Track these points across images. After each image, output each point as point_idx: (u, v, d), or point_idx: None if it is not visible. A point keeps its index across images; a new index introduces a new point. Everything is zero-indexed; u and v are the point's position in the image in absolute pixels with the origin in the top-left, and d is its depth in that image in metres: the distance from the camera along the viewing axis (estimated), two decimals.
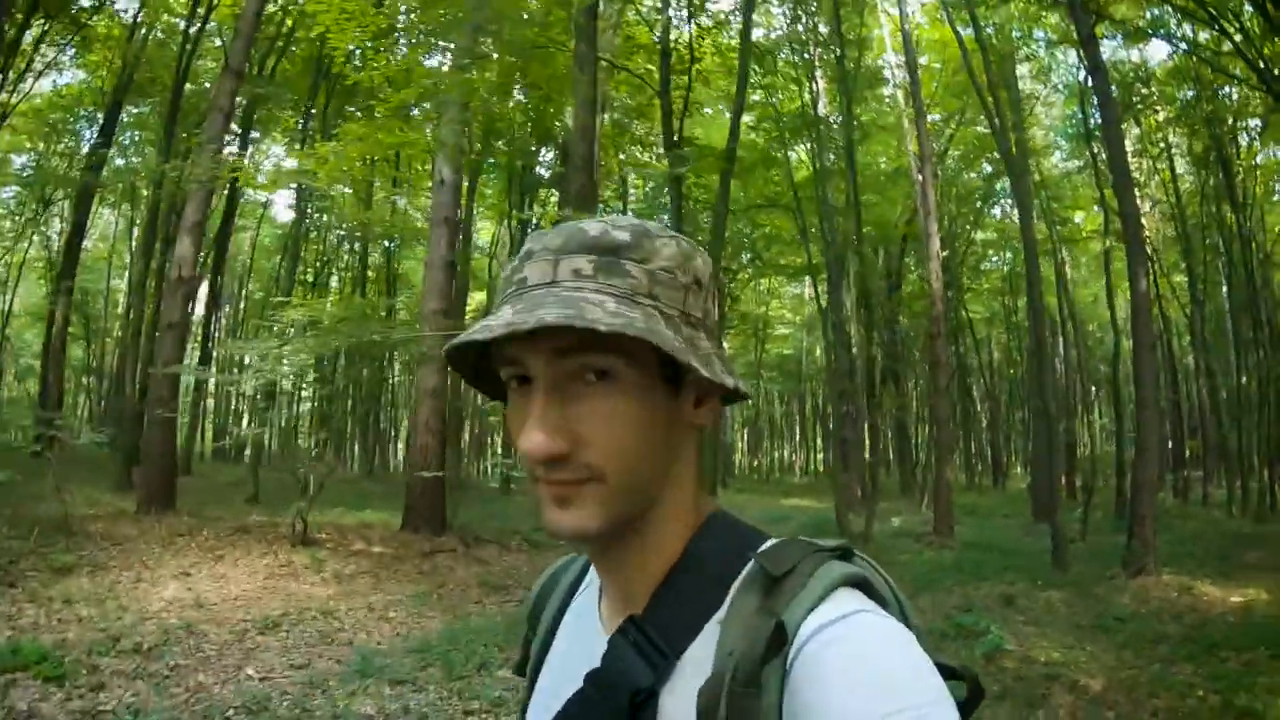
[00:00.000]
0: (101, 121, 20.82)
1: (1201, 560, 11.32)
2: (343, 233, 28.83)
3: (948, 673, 0.72)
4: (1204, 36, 16.64)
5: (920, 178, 15.87)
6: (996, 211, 26.40)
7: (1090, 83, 16.02)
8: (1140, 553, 10.17)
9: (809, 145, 18.56)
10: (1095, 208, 22.78)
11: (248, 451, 24.13)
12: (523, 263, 0.79)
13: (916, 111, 16.17)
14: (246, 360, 10.10)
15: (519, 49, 11.34)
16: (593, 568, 0.94)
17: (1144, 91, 20.00)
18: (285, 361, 9.27)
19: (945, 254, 17.67)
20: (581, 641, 0.87)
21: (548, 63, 12.78)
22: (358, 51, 15.69)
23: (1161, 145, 21.33)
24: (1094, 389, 29.43)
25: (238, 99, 14.88)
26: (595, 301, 0.72)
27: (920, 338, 24.05)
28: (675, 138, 11.90)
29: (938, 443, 15.27)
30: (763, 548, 0.78)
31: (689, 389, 0.79)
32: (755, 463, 46.81)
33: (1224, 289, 22.68)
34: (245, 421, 33.95)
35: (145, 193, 23.30)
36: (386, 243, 26.49)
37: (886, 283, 20.77)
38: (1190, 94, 19.24)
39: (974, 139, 22.38)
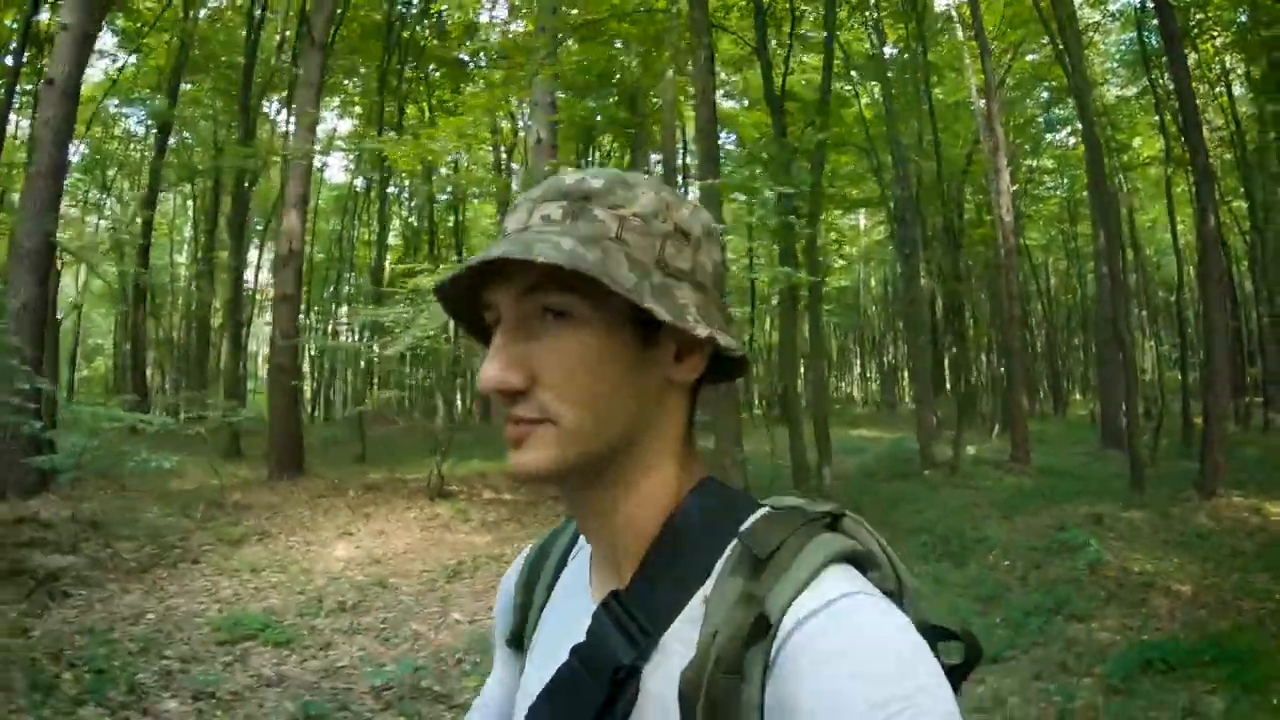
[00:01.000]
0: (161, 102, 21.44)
1: (1266, 484, 12.24)
2: (402, 191, 29.66)
3: (946, 635, 0.75)
4: None
5: (987, 112, 16.58)
6: (1052, 137, 26.91)
7: (1149, 6, 16.71)
8: (1212, 476, 11.14)
9: (876, 85, 19.35)
10: (1154, 133, 23.31)
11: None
12: (508, 213, 0.84)
13: (981, 48, 16.82)
14: (386, 324, 11.12)
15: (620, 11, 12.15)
16: None
17: (1199, 16, 20.39)
18: (420, 325, 10.29)
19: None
20: (576, 609, 0.87)
21: (638, 22, 13.59)
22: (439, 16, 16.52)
23: (1219, 70, 21.74)
24: (1152, 314, 30.00)
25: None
26: (552, 242, 0.74)
27: (979, 266, 24.87)
28: (777, 93, 12.59)
29: (1010, 373, 16.17)
30: (748, 522, 0.78)
31: (667, 340, 0.80)
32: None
33: None
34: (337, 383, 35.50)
35: (201, 168, 24.24)
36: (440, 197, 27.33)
37: (947, 216, 21.48)
38: (1245, 17, 19.60)
39: (1029, 68, 22.89)
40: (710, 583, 0.75)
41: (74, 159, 24.06)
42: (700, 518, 0.81)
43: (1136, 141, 25.26)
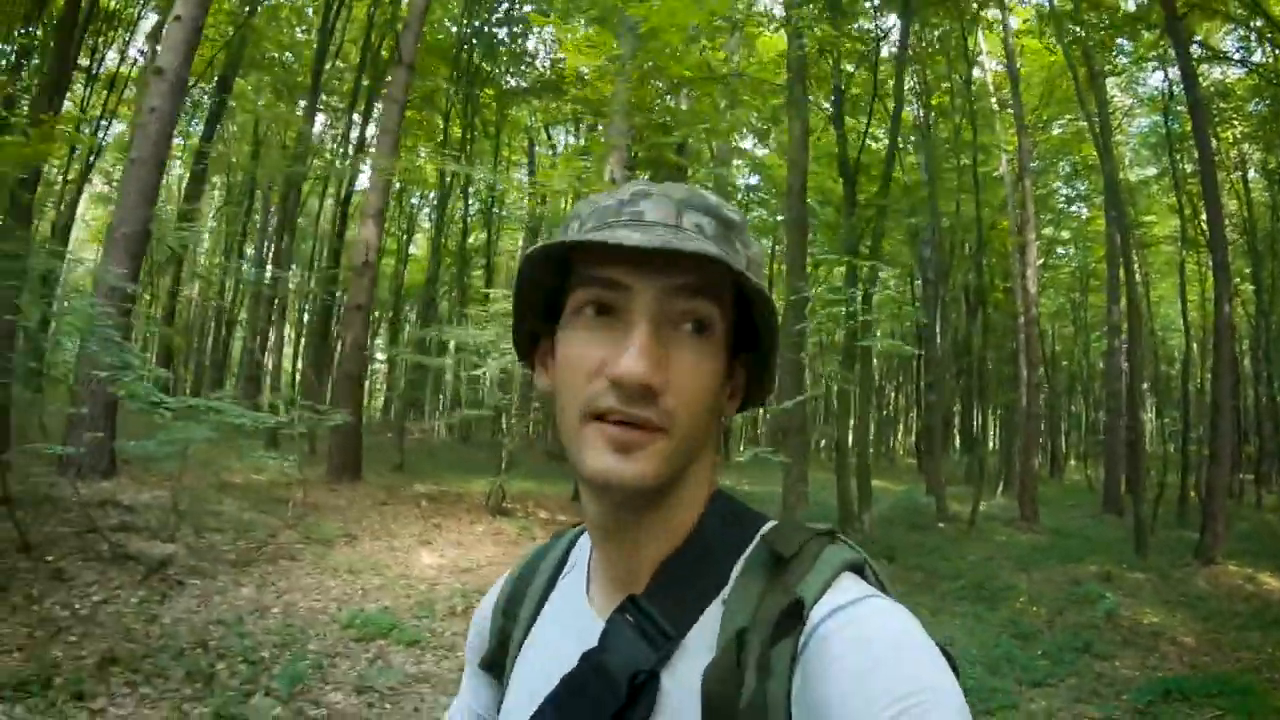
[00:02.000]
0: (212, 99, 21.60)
1: (1258, 555, 13.54)
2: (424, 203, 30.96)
3: None
4: None
5: (1020, 187, 18.03)
6: (1069, 208, 28.48)
7: (1175, 93, 18.23)
8: (1211, 545, 12.46)
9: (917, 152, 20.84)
10: (1169, 212, 24.91)
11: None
12: (636, 199, 0.83)
13: (1018, 126, 18.32)
14: (474, 344, 12.27)
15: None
16: (575, 551, 1.01)
17: (1220, 105, 21.93)
18: (498, 348, 11.44)
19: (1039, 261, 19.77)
20: (572, 627, 0.89)
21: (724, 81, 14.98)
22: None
23: (1235, 157, 23.30)
24: (1153, 387, 31.41)
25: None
26: (724, 251, 0.77)
27: (996, 332, 26.29)
28: (850, 165, 13.80)
29: (1025, 435, 17.53)
30: (765, 529, 0.84)
31: (736, 373, 0.86)
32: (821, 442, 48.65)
33: None
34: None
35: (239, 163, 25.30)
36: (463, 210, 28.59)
37: (967, 282, 22.87)
38: (1264, 106, 21.10)
39: (1057, 141, 24.42)
40: (729, 586, 0.79)
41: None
42: (718, 525, 0.85)
43: (1150, 218, 26.81)
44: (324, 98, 22.22)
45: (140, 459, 9.72)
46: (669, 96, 15.65)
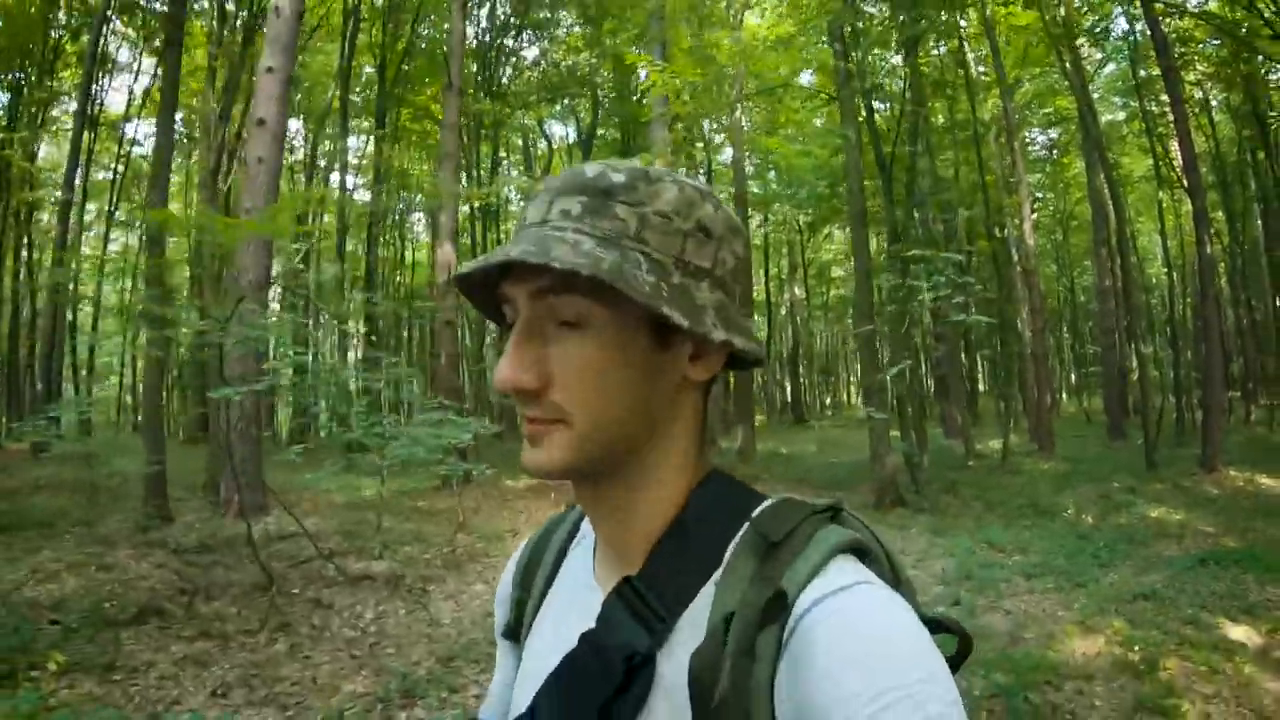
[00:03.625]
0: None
1: (1254, 462, 16.11)
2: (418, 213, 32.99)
3: (937, 626, 0.83)
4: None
5: (1009, 148, 20.47)
6: (1051, 154, 31.06)
7: (1141, 41, 20.73)
8: (1213, 456, 15.07)
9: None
10: (1142, 154, 27.56)
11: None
12: (529, 201, 0.86)
13: (1001, 90, 20.70)
14: None
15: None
16: (585, 522, 1.04)
17: (1181, 50, 24.37)
18: None
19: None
20: (577, 600, 0.94)
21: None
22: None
23: (1201, 97, 25.89)
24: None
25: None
26: (570, 241, 0.78)
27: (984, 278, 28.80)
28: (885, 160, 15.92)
29: (1036, 376, 20.08)
30: (758, 510, 0.85)
31: (683, 341, 0.84)
32: (825, 400, 51.23)
33: (1259, 224, 27.48)
34: None
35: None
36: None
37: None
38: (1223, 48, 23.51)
39: (1031, 94, 26.87)
40: (721, 568, 0.82)
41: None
42: (710, 508, 0.87)
43: (1125, 159, 29.43)
44: (353, 121, 24.24)
45: (280, 491, 10.32)
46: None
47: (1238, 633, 6.23)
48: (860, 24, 14.28)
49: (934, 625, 0.82)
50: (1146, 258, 34.03)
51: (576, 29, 25.13)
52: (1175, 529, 10.73)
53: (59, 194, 25.45)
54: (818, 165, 22.53)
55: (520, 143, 31.04)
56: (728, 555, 0.82)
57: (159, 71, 23.98)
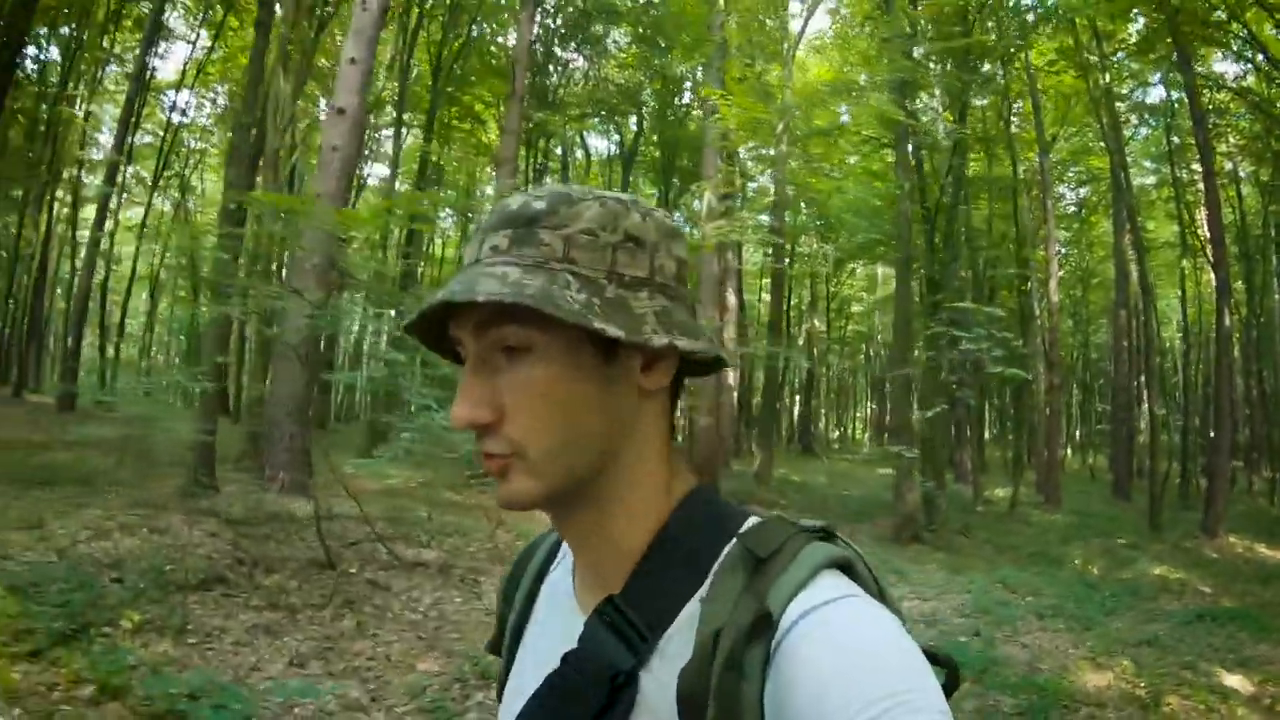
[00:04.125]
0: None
1: (1253, 531, 16.98)
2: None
3: (931, 659, 0.78)
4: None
5: (1043, 208, 21.40)
6: (1071, 209, 32.00)
7: (1178, 109, 21.69)
8: (1215, 522, 15.93)
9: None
10: (1167, 219, 28.52)
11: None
12: (467, 243, 0.89)
13: (1040, 147, 21.66)
14: None
15: None
16: (564, 544, 1.02)
17: (1216, 121, 25.28)
18: None
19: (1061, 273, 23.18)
20: (558, 619, 0.95)
21: None
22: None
23: (1231, 169, 26.82)
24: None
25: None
26: (499, 274, 0.80)
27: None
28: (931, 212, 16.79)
29: (1048, 430, 20.99)
30: (745, 527, 0.86)
31: (630, 352, 0.84)
32: (838, 434, 52.19)
33: (1277, 297, 28.38)
34: None
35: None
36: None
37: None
38: (1255, 122, 24.43)
39: (1065, 153, 27.83)
40: (706, 585, 0.81)
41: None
42: (695, 524, 0.87)
43: (1150, 224, 30.37)
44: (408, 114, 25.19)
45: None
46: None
47: (1232, 680, 7.07)
48: (918, 78, 15.12)
49: (926, 657, 0.78)
50: (1163, 321, 34.89)
51: (630, 46, 25.96)
52: (1176, 586, 11.57)
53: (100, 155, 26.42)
54: (852, 202, 23.43)
55: (559, 152, 31.85)
56: (713, 572, 0.82)
57: (213, 45, 25.20)
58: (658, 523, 0.87)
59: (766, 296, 30.23)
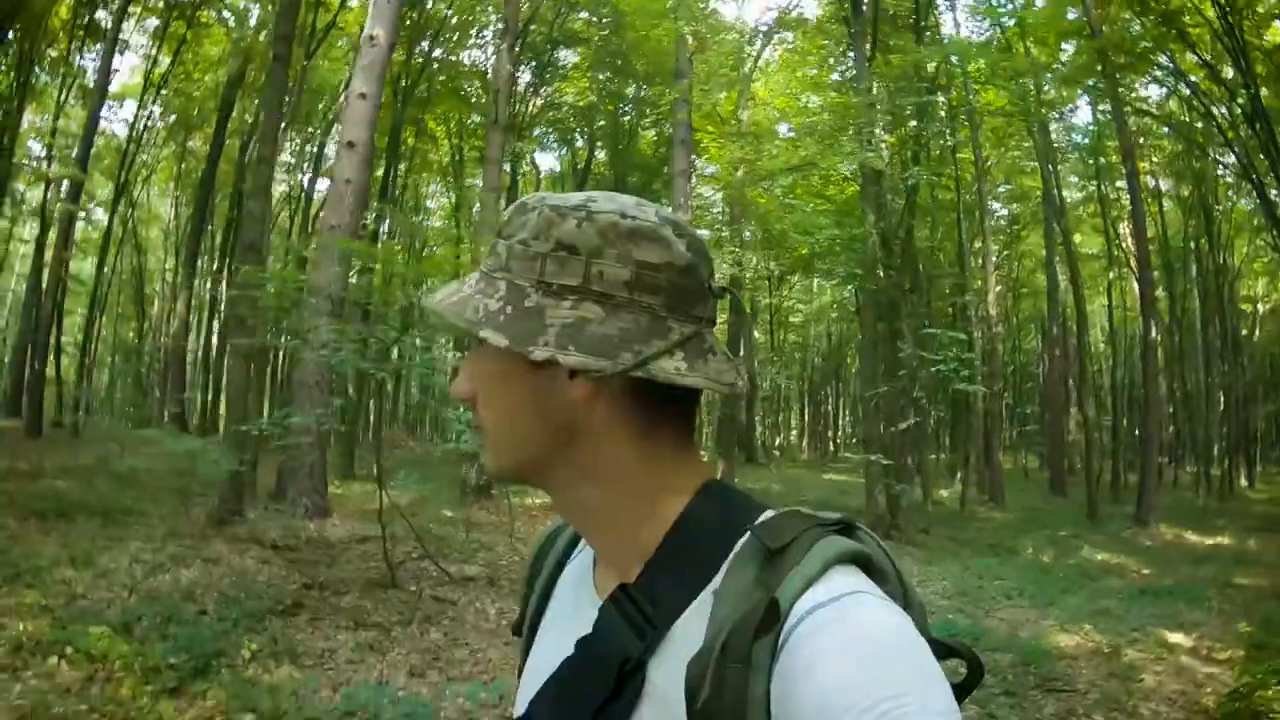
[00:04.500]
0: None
1: (1180, 520, 18.73)
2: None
3: (949, 651, 0.82)
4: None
5: (981, 226, 23.14)
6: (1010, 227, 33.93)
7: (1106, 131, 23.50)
8: (1147, 512, 17.70)
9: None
10: (1093, 232, 30.57)
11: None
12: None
13: (977, 170, 23.30)
14: None
15: None
16: None
17: (1140, 142, 27.24)
18: None
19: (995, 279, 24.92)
20: (577, 605, 0.97)
21: None
22: None
23: (1154, 187, 28.89)
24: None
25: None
26: (456, 284, 0.91)
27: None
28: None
29: (988, 433, 22.71)
30: (760, 519, 0.86)
31: (552, 364, 0.84)
32: (779, 441, 53.34)
33: (1196, 304, 30.53)
34: None
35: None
36: None
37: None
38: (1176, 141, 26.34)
39: (997, 173, 29.60)
40: (719, 577, 0.82)
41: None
42: (710, 516, 0.88)
43: (1077, 237, 32.41)
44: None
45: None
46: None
47: (1175, 637, 8.62)
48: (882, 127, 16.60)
49: (944, 650, 0.81)
50: (1090, 327, 37.10)
51: (587, 68, 26.96)
52: (1118, 569, 13.19)
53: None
54: (799, 222, 24.82)
55: (508, 169, 32.86)
56: (727, 564, 0.83)
57: (157, 56, 25.47)
58: (673, 514, 0.88)
59: None
